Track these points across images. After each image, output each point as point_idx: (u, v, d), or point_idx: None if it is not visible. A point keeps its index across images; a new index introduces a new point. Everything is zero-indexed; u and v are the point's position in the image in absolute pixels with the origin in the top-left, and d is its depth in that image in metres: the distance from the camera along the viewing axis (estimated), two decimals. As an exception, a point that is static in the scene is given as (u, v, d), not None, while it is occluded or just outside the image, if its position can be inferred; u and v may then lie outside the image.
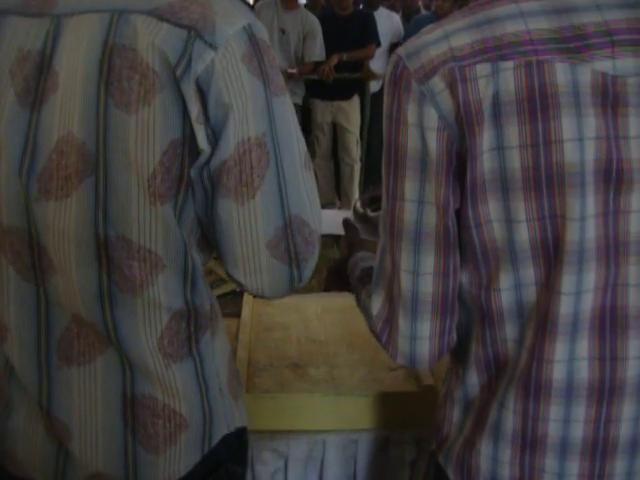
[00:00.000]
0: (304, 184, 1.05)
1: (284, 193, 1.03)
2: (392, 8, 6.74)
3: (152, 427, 1.06)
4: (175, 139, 0.96)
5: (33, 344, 1.07)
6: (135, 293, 1.01)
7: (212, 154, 0.98)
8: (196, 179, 0.99)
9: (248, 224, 1.01)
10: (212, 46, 0.95)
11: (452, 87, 0.92)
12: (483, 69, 0.90)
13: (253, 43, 0.99)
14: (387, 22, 5.85)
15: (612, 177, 0.91)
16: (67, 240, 1.00)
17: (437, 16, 5.18)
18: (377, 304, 1.08)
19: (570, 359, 0.96)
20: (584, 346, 0.96)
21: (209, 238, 1.08)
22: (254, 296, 1.13)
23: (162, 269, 1.02)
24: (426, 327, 1.03)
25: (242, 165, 0.99)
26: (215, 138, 0.97)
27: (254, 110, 0.98)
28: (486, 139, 0.91)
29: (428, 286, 1.01)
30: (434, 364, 1.07)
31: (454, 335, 1.06)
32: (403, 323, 1.04)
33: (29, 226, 1.02)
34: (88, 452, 1.07)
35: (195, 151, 0.97)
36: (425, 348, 1.04)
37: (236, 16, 0.99)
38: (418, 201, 0.98)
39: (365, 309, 1.13)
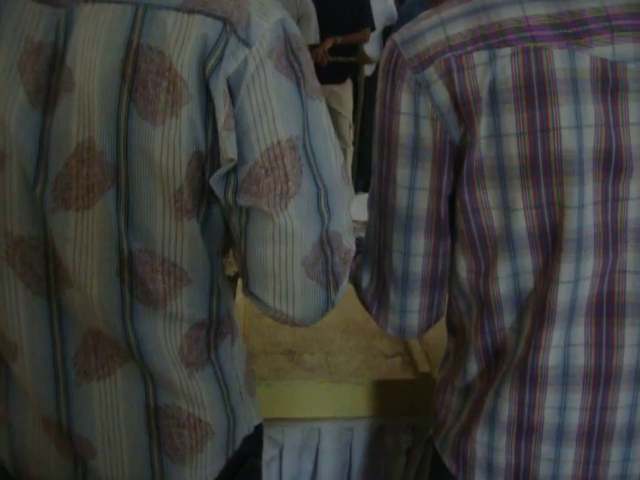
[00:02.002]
0: (346, 199, 0.97)
1: (324, 206, 0.94)
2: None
3: (178, 437, 1.03)
4: (198, 151, 0.90)
5: (48, 361, 1.02)
6: (157, 306, 0.97)
7: (239, 162, 0.90)
8: (219, 190, 0.92)
9: (283, 237, 0.92)
10: (246, 43, 0.88)
11: (447, 77, 0.91)
12: (480, 57, 0.89)
13: (287, 40, 0.91)
14: (380, 4, 5.81)
15: (611, 164, 0.90)
16: (90, 254, 0.95)
17: (428, 0, 5.15)
18: (366, 277, 1.11)
19: (566, 345, 0.96)
20: (580, 332, 0.96)
21: (235, 253, 1.00)
22: (279, 321, 1.01)
23: (187, 283, 0.97)
24: (416, 302, 1.06)
25: (275, 173, 0.90)
26: (241, 144, 0.89)
27: (283, 111, 0.90)
28: (483, 126, 0.90)
29: (418, 266, 1.03)
30: (423, 334, 1.11)
31: (442, 307, 1.09)
32: (393, 297, 1.06)
33: (45, 235, 0.97)
34: (114, 467, 1.04)
35: (217, 162, 0.90)
36: (414, 320, 1.08)
37: (270, 10, 0.91)
38: (410, 187, 0.98)
39: (354, 279, 1.15)
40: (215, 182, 0.91)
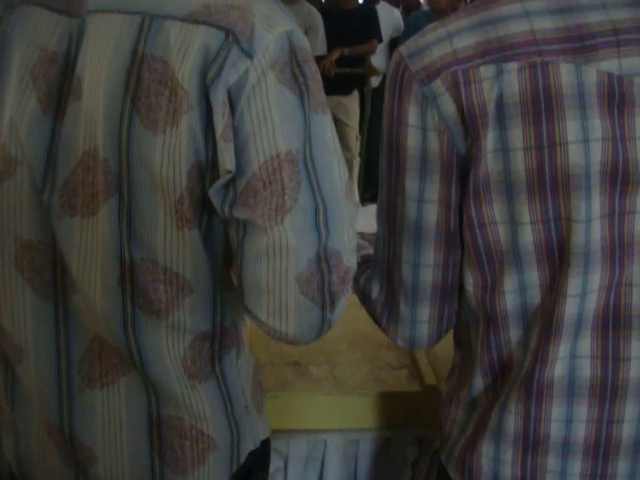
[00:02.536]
0: (348, 216, 0.94)
1: (322, 222, 0.91)
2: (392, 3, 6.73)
3: (179, 448, 1.03)
4: (198, 161, 0.89)
5: (53, 366, 1.02)
6: (160, 316, 0.96)
7: (237, 174, 0.88)
8: (217, 202, 0.90)
9: (277, 252, 0.90)
10: (248, 54, 0.86)
11: (454, 90, 0.91)
12: (487, 71, 0.90)
13: (292, 52, 0.89)
14: (388, 16, 5.83)
15: (618, 178, 0.90)
16: (94, 261, 0.95)
17: (434, 12, 5.17)
18: (376, 288, 1.11)
19: (571, 356, 0.96)
20: (586, 344, 0.96)
21: (234, 266, 0.97)
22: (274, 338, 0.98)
23: (189, 293, 0.96)
24: (425, 312, 1.06)
25: (273, 186, 0.88)
26: (241, 156, 0.88)
27: (283, 123, 0.88)
28: (490, 140, 0.90)
29: (428, 276, 1.03)
30: (433, 345, 1.11)
31: (453, 318, 1.08)
32: (404, 308, 1.06)
33: (53, 241, 0.97)
34: (114, 476, 1.04)
35: (217, 174, 0.89)
36: (424, 331, 1.08)
37: (277, 22, 0.89)
38: (419, 199, 0.98)
39: (364, 293, 1.15)
40: (213, 194, 0.90)
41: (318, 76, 0.93)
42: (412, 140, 0.95)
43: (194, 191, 0.91)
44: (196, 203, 0.92)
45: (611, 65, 0.89)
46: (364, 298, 1.15)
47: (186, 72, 0.86)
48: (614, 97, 0.89)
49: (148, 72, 0.87)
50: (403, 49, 0.97)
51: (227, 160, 0.88)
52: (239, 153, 0.88)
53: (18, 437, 1.09)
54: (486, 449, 1.03)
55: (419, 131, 0.95)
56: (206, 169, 0.90)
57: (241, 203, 0.89)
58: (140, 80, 0.88)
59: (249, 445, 1.10)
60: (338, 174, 0.93)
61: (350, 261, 0.95)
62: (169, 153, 0.88)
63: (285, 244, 0.90)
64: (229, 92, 0.86)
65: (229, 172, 0.88)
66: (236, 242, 0.93)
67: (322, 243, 0.91)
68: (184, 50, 0.87)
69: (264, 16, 0.89)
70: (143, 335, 0.97)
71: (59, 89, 0.94)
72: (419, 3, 7.22)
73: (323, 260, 0.92)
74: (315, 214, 0.91)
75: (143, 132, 0.88)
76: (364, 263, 1.18)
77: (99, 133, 0.90)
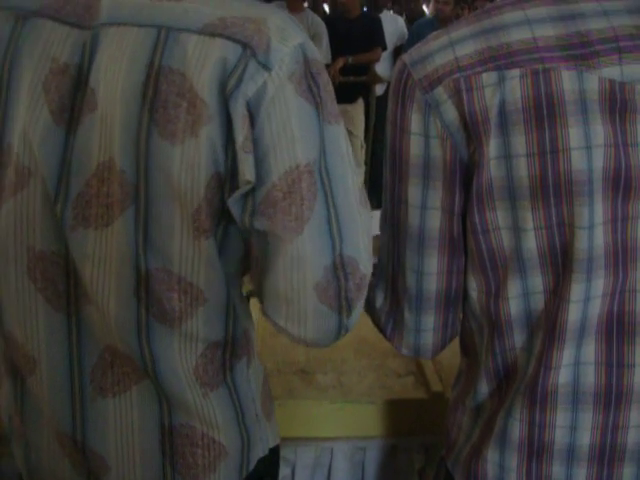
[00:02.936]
0: (361, 223, 0.96)
1: (335, 230, 0.93)
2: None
3: (191, 456, 1.03)
4: (218, 172, 0.90)
5: (65, 376, 1.02)
6: (173, 325, 0.97)
7: (257, 184, 0.90)
8: (237, 212, 0.92)
9: (295, 263, 0.92)
10: (266, 67, 0.88)
11: (457, 97, 0.91)
12: (489, 78, 0.90)
13: (306, 64, 0.91)
14: (392, 25, 5.86)
15: (620, 184, 0.90)
16: (107, 271, 0.95)
17: (438, 20, 5.19)
18: (380, 296, 1.11)
19: (576, 363, 0.96)
20: (590, 351, 0.96)
21: (252, 274, 1.00)
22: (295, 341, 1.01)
23: (203, 303, 0.97)
24: (430, 320, 1.06)
25: (292, 197, 0.90)
26: (259, 166, 0.89)
27: (302, 135, 0.90)
28: (492, 147, 0.91)
29: (432, 284, 1.03)
30: (437, 354, 1.11)
31: (457, 326, 1.09)
32: (408, 316, 1.06)
33: (66, 252, 0.98)
34: None
35: (236, 184, 0.90)
36: (429, 339, 1.08)
37: (291, 34, 0.91)
38: (422, 207, 0.99)
39: (368, 302, 1.14)
40: (233, 204, 0.91)
41: (330, 87, 0.95)
42: (415, 147, 0.96)
43: (212, 201, 0.92)
44: (214, 213, 0.93)
45: (613, 72, 0.89)
46: (368, 307, 1.15)
47: (205, 84, 0.87)
48: (616, 104, 0.89)
49: (166, 84, 0.88)
50: (406, 57, 0.98)
51: (247, 171, 0.89)
52: (259, 164, 0.89)
53: (29, 448, 1.10)
54: (491, 455, 1.03)
55: (422, 138, 0.95)
56: (225, 179, 0.91)
57: (260, 213, 0.91)
58: (157, 92, 0.88)
59: (258, 452, 1.10)
60: (352, 183, 0.95)
61: (366, 268, 0.97)
62: (188, 164, 0.89)
63: (303, 254, 0.92)
64: (248, 104, 0.88)
65: (249, 182, 0.90)
66: (257, 251, 0.95)
67: (337, 250, 0.93)
68: (202, 62, 0.88)
69: (278, 29, 0.91)
70: (157, 344, 0.98)
71: (72, 101, 0.94)
72: (423, 11, 7.24)
73: (340, 268, 0.94)
74: (328, 222, 0.92)
75: (161, 143, 0.89)
76: None
77: (115, 145, 0.91)
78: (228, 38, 0.88)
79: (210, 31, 0.89)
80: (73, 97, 0.94)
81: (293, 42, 0.90)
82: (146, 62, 0.89)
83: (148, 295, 0.96)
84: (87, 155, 0.93)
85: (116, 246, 0.94)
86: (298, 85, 0.90)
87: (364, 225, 0.96)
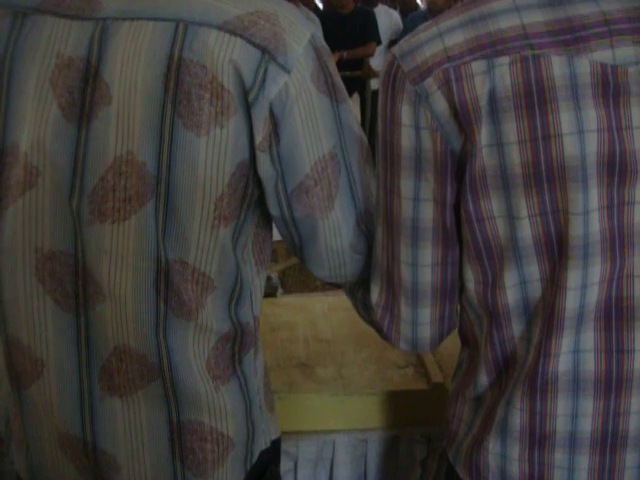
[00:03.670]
0: (367, 177, 1.07)
1: (355, 193, 1.05)
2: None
3: (200, 452, 1.04)
4: (243, 160, 0.94)
5: (74, 377, 1.03)
6: (190, 317, 0.99)
7: (285, 177, 0.97)
8: (275, 210, 1.00)
9: (332, 233, 1.04)
10: (285, 69, 0.92)
11: (446, 87, 0.91)
12: (479, 66, 0.90)
13: (319, 56, 0.97)
14: (387, 19, 5.86)
15: (616, 169, 0.90)
16: (125, 265, 0.96)
17: (431, 13, 5.18)
18: (376, 291, 1.10)
19: (575, 351, 0.96)
20: (589, 338, 0.96)
21: (288, 244, 1.09)
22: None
23: (212, 291, 1.00)
24: (427, 313, 1.06)
25: (322, 182, 1.00)
26: (286, 161, 0.96)
27: (325, 127, 0.98)
28: (484, 135, 0.91)
29: (427, 276, 1.03)
30: (434, 347, 1.12)
31: (454, 319, 1.09)
32: (405, 310, 1.06)
33: (75, 251, 0.98)
34: None
35: (258, 175, 0.97)
36: (427, 332, 1.08)
37: (301, 30, 0.95)
38: (414, 199, 0.98)
39: (364, 303, 1.15)
40: (271, 206, 1.00)
41: (335, 66, 1.03)
42: (406, 140, 0.96)
43: (236, 190, 0.95)
44: (236, 201, 0.96)
45: (604, 55, 0.89)
46: (363, 307, 1.16)
47: (230, 78, 0.90)
48: (609, 87, 0.89)
49: (189, 76, 0.90)
50: (396, 49, 0.98)
51: (261, 169, 0.96)
52: (285, 159, 0.96)
53: (30, 454, 1.10)
54: (493, 446, 1.03)
55: (412, 130, 0.95)
56: (250, 167, 0.95)
57: (295, 200, 0.99)
58: (180, 84, 0.90)
59: (261, 444, 1.12)
60: (360, 146, 1.05)
61: (374, 208, 1.08)
62: (214, 154, 0.92)
63: (337, 225, 1.03)
64: (271, 105, 0.92)
65: (268, 177, 0.97)
66: (294, 232, 1.04)
67: (358, 209, 1.06)
68: (222, 57, 0.90)
69: (290, 24, 0.94)
70: (173, 338, 0.99)
71: (82, 95, 0.94)
72: (417, 4, 7.23)
73: (362, 221, 1.07)
74: (350, 189, 1.04)
75: (187, 135, 0.91)
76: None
77: (135, 138, 0.92)
78: (248, 41, 0.91)
79: (230, 29, 0.91)
80: (82, 91, 0.94)
81: (304, 39, 0.95)
82: (166, 55, 0.91)
83: (167, 288, 0.97)
84: (103, 149, 0.94)
85: (134, 240, 0.95)
86: (317, 82, 0.96)
87: (369, 177, 1.07)
